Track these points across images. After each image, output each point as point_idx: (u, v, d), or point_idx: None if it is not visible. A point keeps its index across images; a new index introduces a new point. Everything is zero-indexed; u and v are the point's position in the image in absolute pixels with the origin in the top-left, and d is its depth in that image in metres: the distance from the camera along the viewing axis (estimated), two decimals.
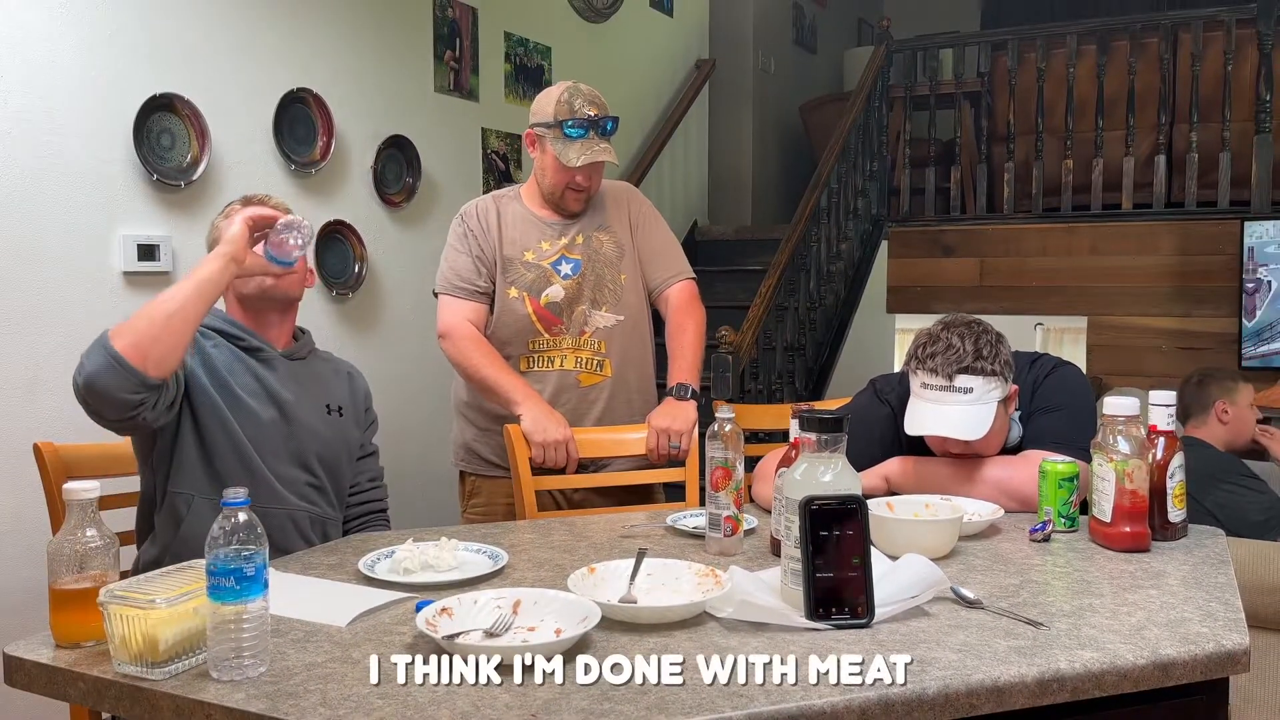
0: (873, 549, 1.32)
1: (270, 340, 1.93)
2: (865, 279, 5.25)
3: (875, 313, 5.41)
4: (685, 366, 2.36)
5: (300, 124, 3.27)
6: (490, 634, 1.22)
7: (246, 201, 1.95)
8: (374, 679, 1.12)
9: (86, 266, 2.69)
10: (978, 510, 1.76)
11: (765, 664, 1.14)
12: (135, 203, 2.80)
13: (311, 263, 2.10)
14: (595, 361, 2.38)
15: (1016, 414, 1.92)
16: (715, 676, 1.12)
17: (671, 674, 1.12)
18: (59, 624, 1.23)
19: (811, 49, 6.78)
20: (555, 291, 2.36)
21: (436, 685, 1.10)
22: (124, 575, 1.30)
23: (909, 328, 6.45)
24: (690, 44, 5.68)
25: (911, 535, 1.58)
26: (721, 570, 1.40)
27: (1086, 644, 1.21)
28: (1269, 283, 4.49)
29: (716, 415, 1.68)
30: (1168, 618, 1.30)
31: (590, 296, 2.38)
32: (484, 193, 3.70)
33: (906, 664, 1.12)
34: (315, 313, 3.29)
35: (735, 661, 1.15)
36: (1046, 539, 1.67)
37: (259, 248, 1.79)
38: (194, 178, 2.91)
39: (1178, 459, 1.67)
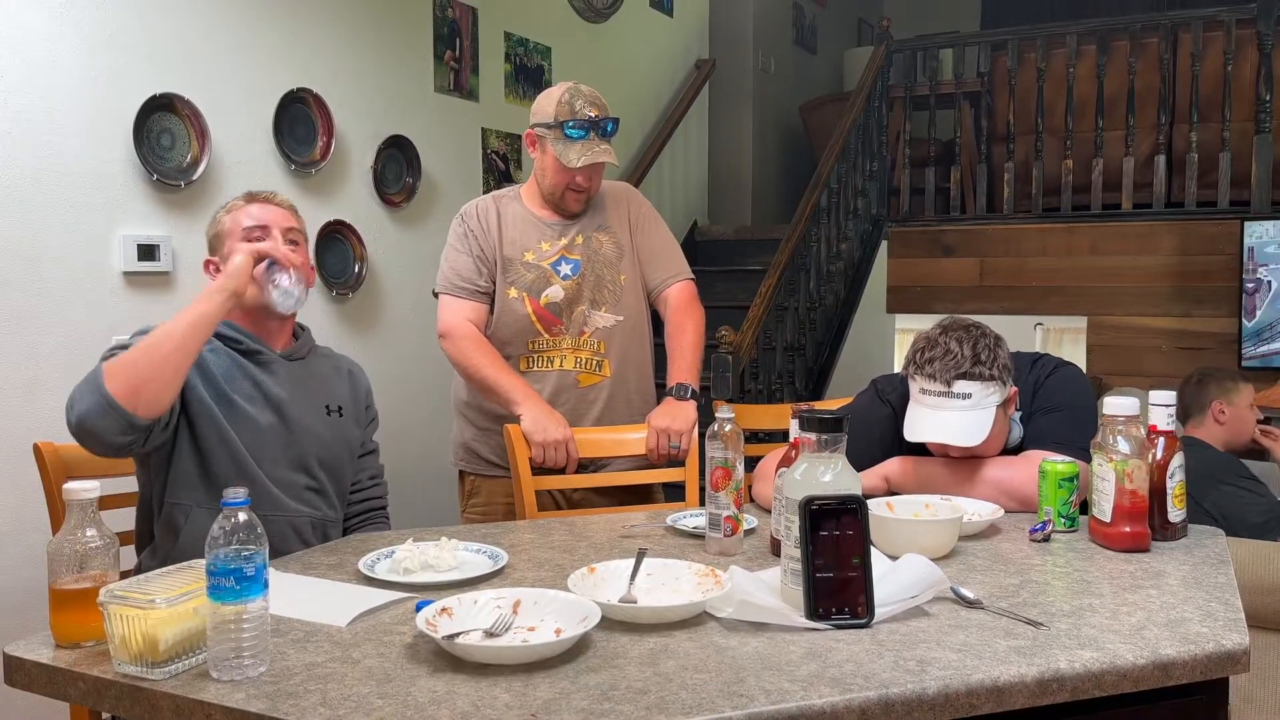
0: (873, 549, 1.32)
1: (269, 341, 1.91)
2: (865, 279, 5.25)
3: (875, 313, 5.41)
4: (685, 366, 2.36)
5: (300, 124, 3.27)
6: (490, 634, 1.22)
7: (251, 198, 1.94)
8: (374, 679, 1.12)
9: (86, 266, 2.69)
10: (978, 510, 1.76)
11: (765, 664, 1.14)
12: (135, 203, 2.80)
13: (312, 261, 2.09)
14: (594, 362, 2.38)
15: (1017, 414, 1.92)
16: (715, 676, 1.12)
17: (671, 674, 1.12)
18: (59, 624, 1.23)
19: (811, 49, 6.78)
20: (555, 292, 2.36)
21: (436, 685, 1.10)
22: (124, 576, 1.30)
23: (909, 328, 6.45)
24: (690, 44, 5.68)
25: (911, 535, 1.58)
26: (721, 570, 1.40)
27: (1086, 644, 1.21)
28: (1269, 283, 4.49)
29: (716, 415, 1.68)
30: (1168, 618, 1.30)
31: (590, 297, 2.38)
32: (484, 193, 3.71)
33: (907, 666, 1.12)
34: (315, 313, 3.29)
35: (735, 661, 1.15)
36: (1046, 539, 1.67)
37: (258, 270, 1.80)
38: (194, 178, 2.91)
39: (1178, 459, 1.68)
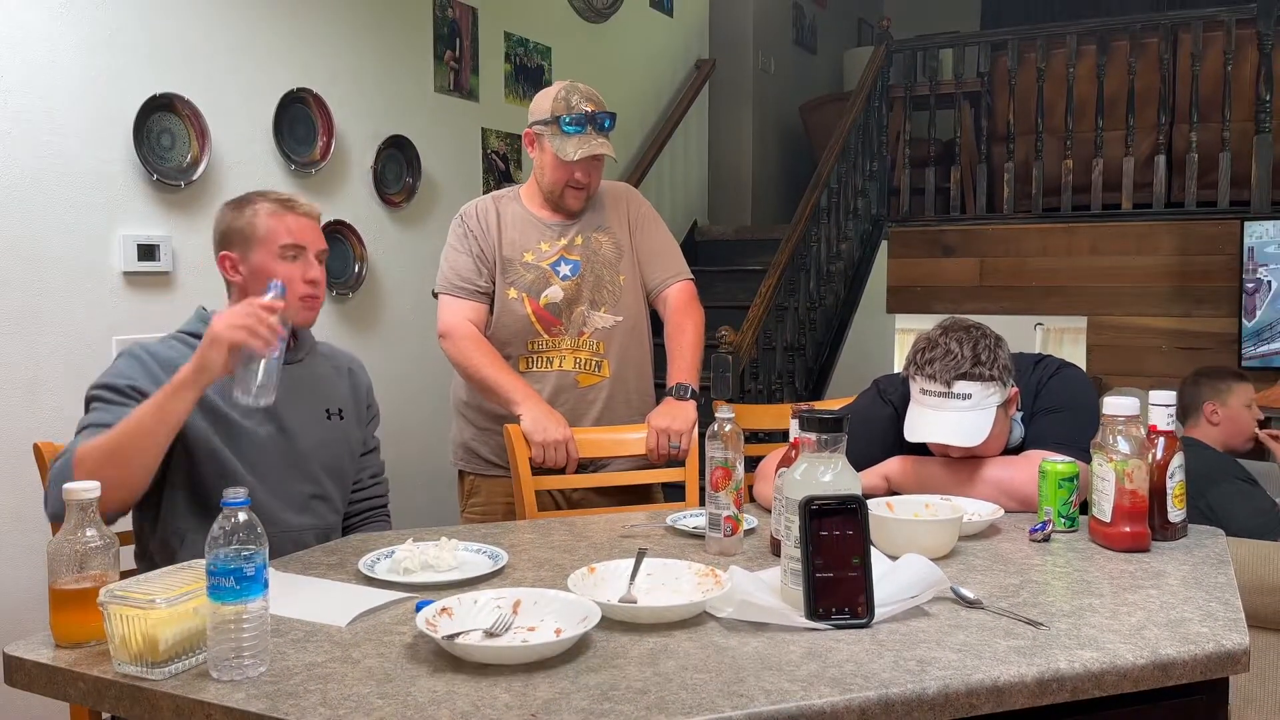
0: (873, 549, 1.32)
1: None
2: (865, 279, 5.25)
3: (875, 313, 5.41)
4: (684, 366, 2.36)
5: (300, 124, 3.27)
6: (490, 634, 1.22)
7: (288, 206, 1.85)
8: (374, 679, 1.12)
9: (86, 266, 2.69)
10: (978, 510, 1.76)
11: (765, 664, 1.14)
12: (135, 203, 2.80)
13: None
14: (594, 362, 2.38)
15: (1019, 415, 1.92)
16: (715, 676, 1.12)
17: (671, 674, 1.12)
18: (59, 624, 1.23)
19: (811, 49, 6.78)
20: (554, 292, 2.36)
21: (436, 685, 1.10)
22: (124, 576, 1.30)
23: (909, 328, 6.45)
24: (690, 44, 5.68)
25: (911, 535, 1.58)
26: (721, 570, 1.40)
27: (1086, 644, 1.21)
28: (1269, 283, 4.49)
29: (716, 415, 1.68)
30: (1168, 618, 1.30)
31: (589, 297, 2.38)
32: (484, 193, 3.71)
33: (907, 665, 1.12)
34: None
35: (735, 661, 1.15)
36: (1046, 539, 1.67)
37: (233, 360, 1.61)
38: (194, 178, 2.91)
39: (1177, 459, 1.68)
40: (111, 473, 1.54)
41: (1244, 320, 4.53)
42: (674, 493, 2.41)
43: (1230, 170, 4.68)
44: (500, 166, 4.12)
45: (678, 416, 2.27)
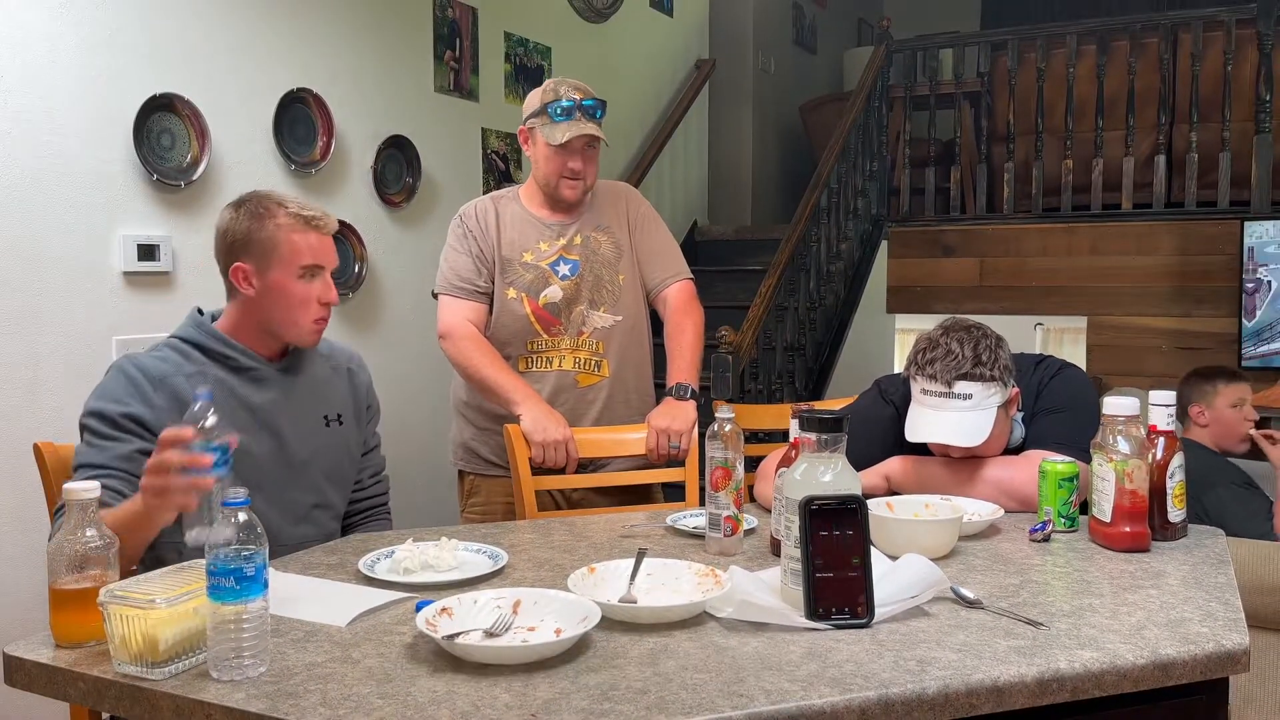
0: (873, 549, 1.32)
1: (263, 352, 1.83)
2: (865, 279, 5.25)
3: (875, 313, 5.41)
4: (684, 366, 2.36)
5: (300, 124, 3.27)
6: (490, 634, 1.22)
7: (310, 224, 1.79)
8: (374, 679, 1.12)
9: (86, 266, 2.69)
10: (978, 510, 1.76)
11: (765, 664, 1.14)
12: (135, 203, 2.80)
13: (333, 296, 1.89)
14: (593, 362, 2.38)
15: (1019, 415, 1.92)
16: (715, 676, 1.12)
17: (671, 674, 1.12)
18: (59, 624, 1.23)
19: (811, 49, 6.78)
20: (553, 292, 2.36)
21: (436, 685, 1.10)
22: (124, 576, 1.30)
23: (909, 328, 6.45)
24: (690, 44, 5.68)
25: (911, 535, 1.58)
26: (721, 570, 1.40)
27: (1086, 644, 1.21)
28: (1269, 283, 4.49)
29: (716, 415, 1.68)
30: (1168, 618, 1.30)
31: (588, 297, 2.38)
32: (484, 193, 3.71)
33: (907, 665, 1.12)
34: None
35: (735, 661, 1.15)
36: (1046, 539, 1.67)
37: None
38: (194, 178, 2.91)
39: (1177, 459, 1.68)
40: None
41: (1244, 320, 4.53)
42: (674, 493, 2.41)
43: (1230, 170, 4.68)
44: (500, 166, 4.12)
45: (677, 416, 2.27)
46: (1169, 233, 4.76)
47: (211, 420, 1.39)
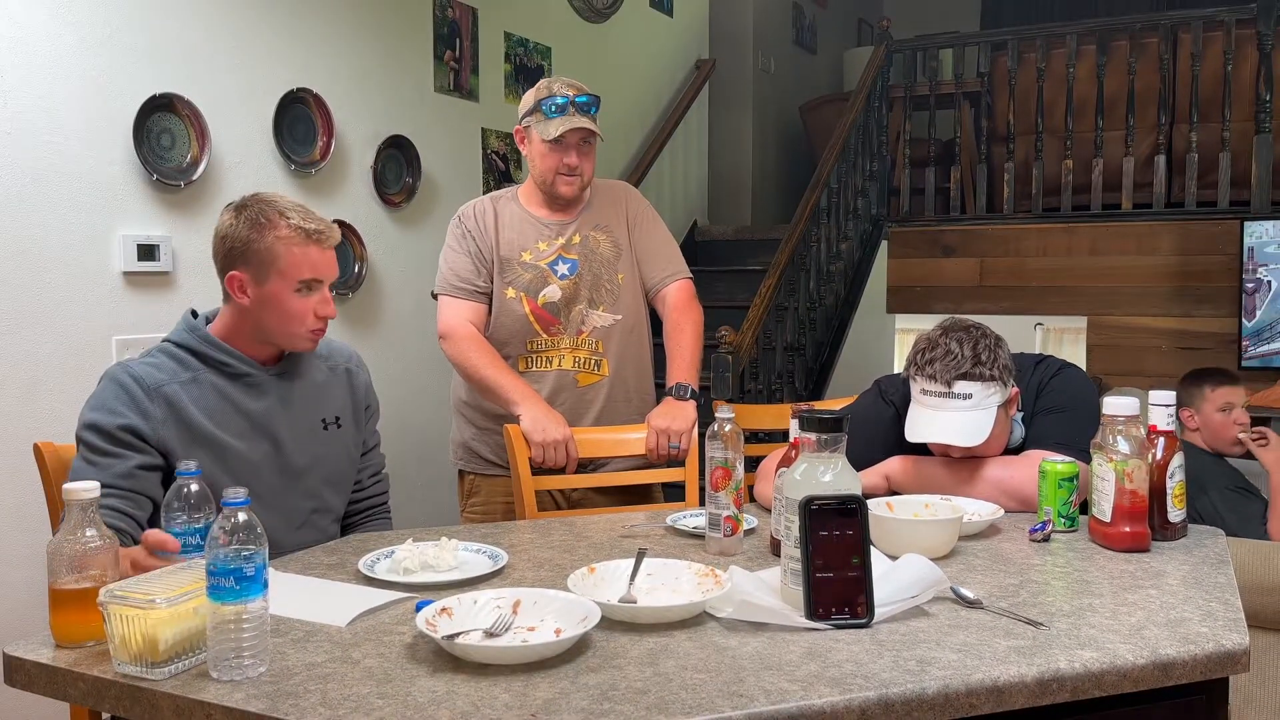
0: (873, 549, 1.32)
1: (259, 357, 1.80)
2: (865, 279, 5.25)
3: (875, 313, 5.41)
4: (684, 366, 2.36)
5: (300, 124, 3.27)
6: (490, 634, 1.22)
7: (312, 238, 1.75)
8: (374, 679, 1.12)
9: (86, 266, 2.69)
10: (978, 510, 1.76)
11: (765, 664, 1.14)
12: (135, 203, 2.80)
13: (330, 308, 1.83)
14: (593, 361, 2.38)
15: (1019, 415, 1.92)
16: (715, 676, 1.12)
17: (671, 674, 1.12)
18: (59, 624, 1.23)
19: (811, 49, 6.78)
20: (552, 292, 2.36)
21: (436, 685, 1.10)
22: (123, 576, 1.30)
23: (909, 328, 6.45)
24: (690, 44, 5.68)
25: (911, 535, 1.58)
26: (721, 570, 1.40)
27: (1086, 644, 1.21)
28: (1269, 283, 4.49)
29: (716, 415, 1.68)
30: (1168, 618, 1.30)
31: (587, 296, 2.38)
32: (484, 193, 3.71)
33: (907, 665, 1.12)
34: None
35: (735, 661, 1.15)
36: (1046, 539, 1.67)
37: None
38: (194, 178, 2.91)
39: (1177, 459, 1.68)
40: None
41: (1244, 320, 4.53)
42: (674, 493, 2.41)
43: (1230, 170, 4.68)
44: (500, 166, 4.12)
45: (677, 417, 2.27)
46: (1169, 233, 4.77)
47: (195, 489, 1.40)
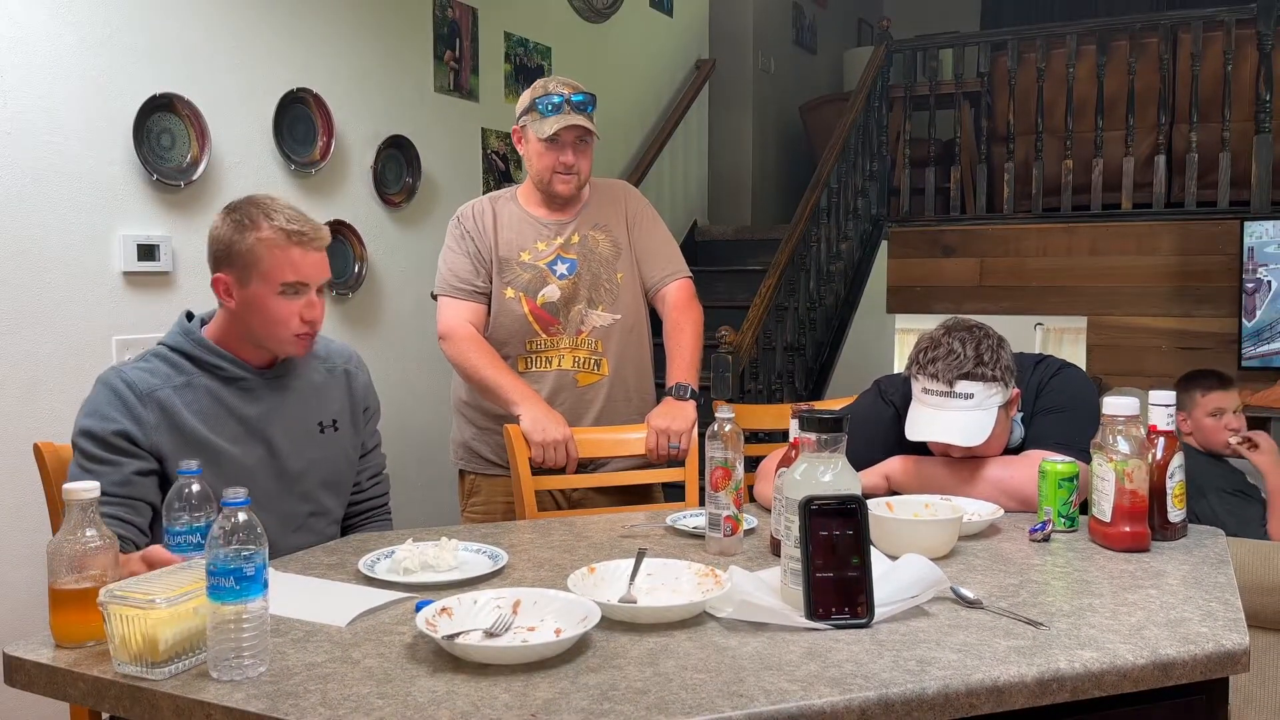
0: (873, 549, 1.32)
1: (253, 361, 1.79)
2: (865, 279, 5.25)
3: (875, 313, 5.41)
4: (684, 366, 2.35)
5: (300, 124, 3.27)
6: (490, 634, 1.22)
7: (295, 240, 1.72)
8: (374, 679, 1.12)
9: (86, 266, 2.69)
10: (978, 510, 1.76)
11: (765, 664, 1.14)
12: (135, 203, 2.80)
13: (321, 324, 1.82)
14: (593, 361, 2.38)
15: (1019, 415, 1.92)
16: (715, 676, 1.12)
17: (671, 674, 1.12)
18: (59, 624, 1.23)
19: (811, 49, 6.78)
20: (551, 291, 2.36)
21: (436, 685, 1.10)
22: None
23: (909, 328, 6.45)
24: (690, 44, 5.68)
25: (911, 535, 1.58)
26: (721, 570, 1.40)
27: (1086, 644, 1.21)
28: (1269, 283, 4.49)
29: (716, 415, 1.68)
30: (1168, 618, 1.30)
31: (587, 296, 2.38)
32: (484, 193, 3.71)
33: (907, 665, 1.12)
34: None
35: (735, 661, 1.15)
36: (1046, 539, 1.67)
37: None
38: (194, 178, 2.91)
39: (1177, 459, 1.68)
40: None
41: (1244, 320, 4.53)
42: (674, 493, 2.41)
43: (1230, 170, 4.68)
44: (500, 166, 4.12)
45: (677, 417, 2.26)
46: (1169, 233, 4.77)
47: (196, 489, 1.41)
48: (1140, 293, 4.81)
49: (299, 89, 3.23)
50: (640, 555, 1.47)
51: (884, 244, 5.38)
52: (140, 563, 1.39)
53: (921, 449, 1.91)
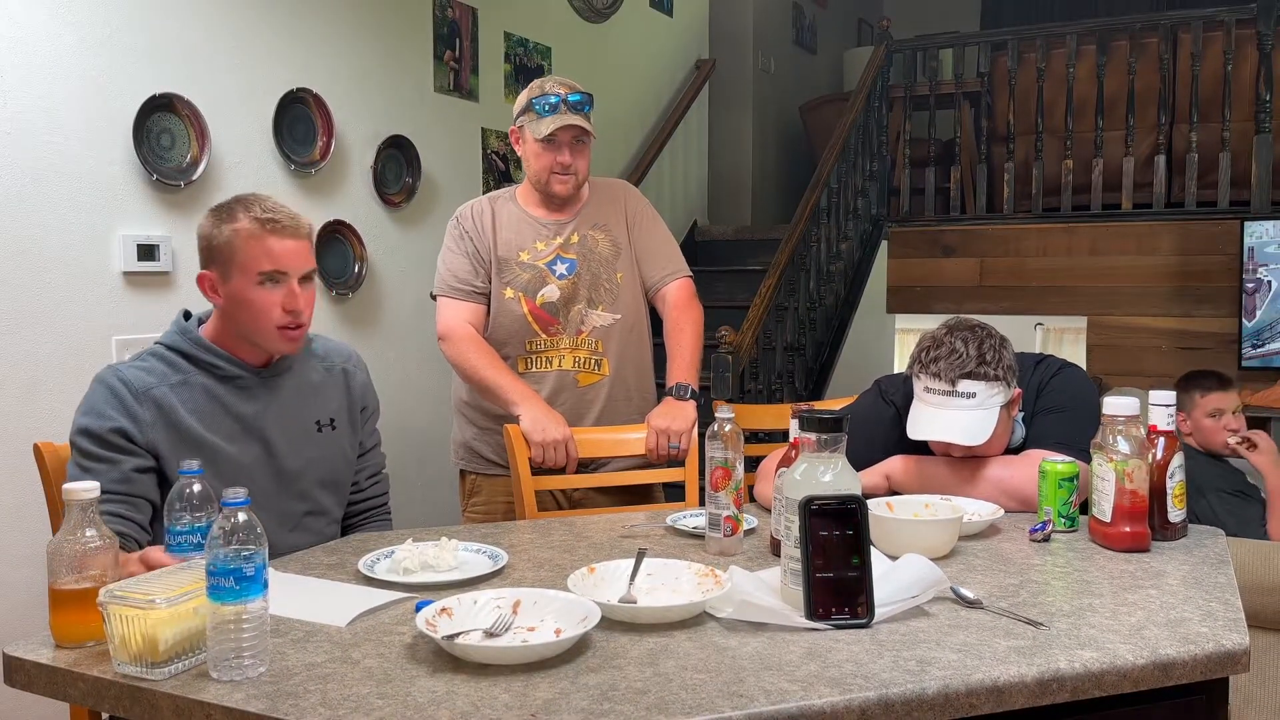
0: (873, 549, 1.32)
1: (250, 359, 1.79)
2: (865, 279, 5.25)
3: (875, 313, 5.41)
4: (684, 366, 2.35)
5: (300, 124, 3.27)
6: (490, 634, 1.22)
7: (270, 227, 1.70)
8: (374, 679, 1.12)
9: (86, 266, 2.69)
10: (978, 510, 1.76)
11: (765, 664, 1.14)
12: (135, 203, 2.80)
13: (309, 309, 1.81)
14: (593, 361, 2.38)
15: (1020, 415, 1.92)
16: (715, 676, 1.12)
17: (671, 674, 1.12)
18: (59, 624, 1.23)
19: (811, 49, 6.78)
20: (550, 291, 2.36)
21: (436, 685, 1.10)
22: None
23: (909, 328, 6.45)
24: (690, 44, 5.68)
25: (911, 535, 1.58)
26: (721, 570, 1.40)
27: (1086, 644, 1.21)
28: (1269, 283, 4.49)
29: (716, 415, 1.68)
30: (1168, 618, 1.30)
31: (586, 296, 2.38)
32: (483, 193, 3.71)
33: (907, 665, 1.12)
34: (316, 313, 3.28)
35: (735, 661, 1.15)
36: (1046, 539, 1.67)
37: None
38: (194, 178, 2.91)
39: (1177, 459, 1.68)
40: None
41: (1244, 320, 4.53)
42: (674, 493, 2.41)
43: (1230, 170, 4.68)
44: (500, 166, 4.12)
45: (677, 417, 2.26)
46: (1169, 233, 4.77)
47: (198, 489, 1.40)
48: (1140, 293, 4.81)
49: (299, 89, 3.23)
50: (640, 555, 1.47)
51: (884, 244, 5.38)
52: (138, 564, 1.40)
53: (921, 449, 1.91)
